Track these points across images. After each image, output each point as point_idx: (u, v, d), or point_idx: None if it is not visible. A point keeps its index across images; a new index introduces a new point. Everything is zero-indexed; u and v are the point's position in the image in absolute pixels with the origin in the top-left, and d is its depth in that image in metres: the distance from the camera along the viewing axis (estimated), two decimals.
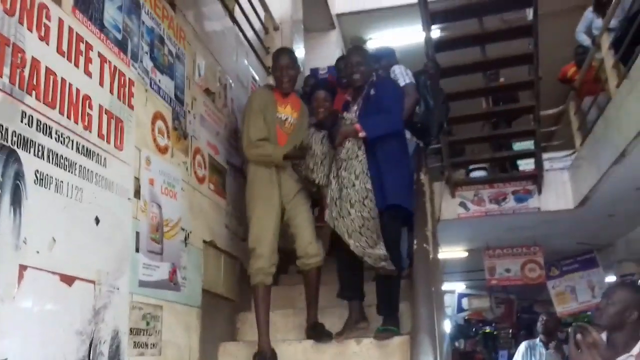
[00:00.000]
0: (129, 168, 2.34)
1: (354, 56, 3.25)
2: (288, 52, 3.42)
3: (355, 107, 3.20)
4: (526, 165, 6.95)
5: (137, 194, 2.39)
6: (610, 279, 8.35)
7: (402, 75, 3.81)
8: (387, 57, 4.14)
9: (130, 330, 2.23)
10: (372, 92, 3.16)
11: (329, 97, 3.52)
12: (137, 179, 2.39)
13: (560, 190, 6.44)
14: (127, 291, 2.23)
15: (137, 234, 2.36)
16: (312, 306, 3.09)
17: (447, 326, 7.80)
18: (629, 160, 4.71)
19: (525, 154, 6.74)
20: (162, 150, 2.65)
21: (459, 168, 6.84)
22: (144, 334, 2.34)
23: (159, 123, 2.63)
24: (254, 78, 4.21)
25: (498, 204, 6.55)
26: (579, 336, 2.00)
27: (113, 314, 2.11)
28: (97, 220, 2.07)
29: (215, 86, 3.40)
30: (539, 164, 6.30)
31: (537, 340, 5.35)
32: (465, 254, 8.46)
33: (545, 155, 6.70)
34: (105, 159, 2.15)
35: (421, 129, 3.86)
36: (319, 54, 7.21)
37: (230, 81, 3.67)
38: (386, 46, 4.73)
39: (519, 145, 7.05)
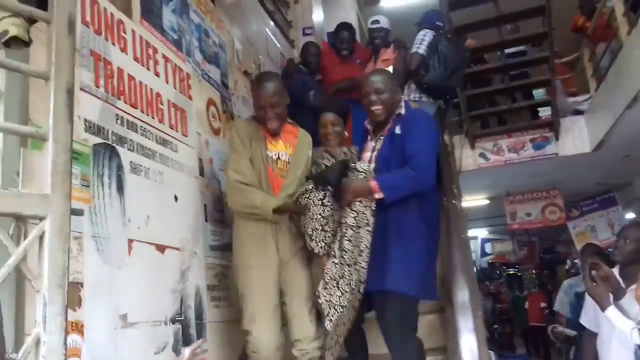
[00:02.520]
0: (194, 151, 2.72)
1: (375, 76, 2.56)
2: (272, 80, 2.58)
3: (374, 145, 2.58)
4: (544, 112, 7.17)
5: (201, 172, 2.78)
6: (630, 216, 8.64)
7: (417, 42, 3.90)
8: (427, 21, 4.11)
9: (207, 286, 2.65)
10: (398, 130, 2.49)
11: (339, 120, 2.83)
12: (200, 160, 2.77)
13: (577, 135, 6.68)
14: (203, 255, 2.65)
15: (205, 206, 2.76)
16: None
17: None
18: None
19: (542, 103, 6.95)
20: (216, 132, 3.02)
21: (477, 120, 7.10)
22: (217, 290, 2.77)
23: (212, 108, 3.00)
24: (282, 54, 4.51)
25: (517, 152, 6.83)
26: (593, 272, 2.37)
27: (195, 274, 2.53)
28: (176, 198, 2.47)
29: (251, 67, 3.73)
30: (555, 112, 6.53)
31: (581, 277, 5.55)
32: (487, 202, 8.80)
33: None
34: (176, 145, 2.53)
35: (433, 91, 3.93)
36: (335, 16, 7.41)
37: (263, 60, 3.99)
38: (433, 10, 4.61)
39: (538, 93, 7.25)
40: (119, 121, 2.11)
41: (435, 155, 2.52)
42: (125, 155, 2.12)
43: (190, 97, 2.75)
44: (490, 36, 6.19)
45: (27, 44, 1.39)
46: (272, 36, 4.38)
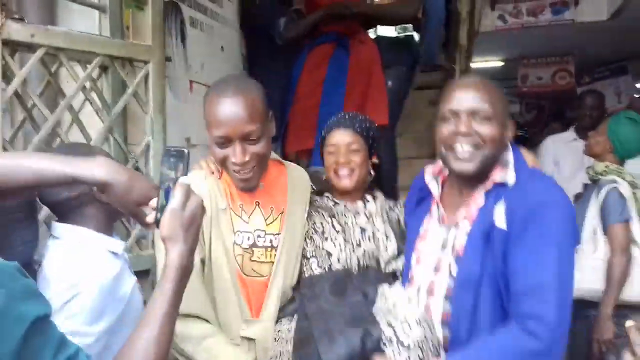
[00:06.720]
0: (234, 5, 3.14)
1: (470, 85, 1.41)
2: (243, 92, 1.41)
3: (445, 236, 1.40)
4: None
5: (241, 25, 3.22)
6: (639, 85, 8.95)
7: None
8: None
9: None
10: (501, 220, 1.27)
11: (358, 137, 1.60)
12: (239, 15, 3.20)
13: (596, 1, 6.80)
14: None
15: (243, 55, 3.25)
16: None
17: None
18: None
19: None
20: None
21: None
22: None
23: None
24: None
25: (535, 16, 7.01)
26: None
27: None
28: (222, 48, 2.96)
29: None
30: None
31: None
32: (501, 64, 9.08)
33: None
34: (221, 1, 2.95)
35: None
36: None
37: None
38: None
39: None
40: None
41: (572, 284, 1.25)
42: (186, 11, 2.59)
43: None
44: None
45: None
46: None
